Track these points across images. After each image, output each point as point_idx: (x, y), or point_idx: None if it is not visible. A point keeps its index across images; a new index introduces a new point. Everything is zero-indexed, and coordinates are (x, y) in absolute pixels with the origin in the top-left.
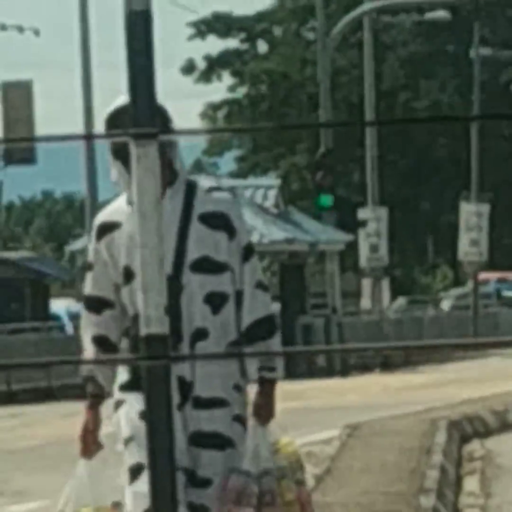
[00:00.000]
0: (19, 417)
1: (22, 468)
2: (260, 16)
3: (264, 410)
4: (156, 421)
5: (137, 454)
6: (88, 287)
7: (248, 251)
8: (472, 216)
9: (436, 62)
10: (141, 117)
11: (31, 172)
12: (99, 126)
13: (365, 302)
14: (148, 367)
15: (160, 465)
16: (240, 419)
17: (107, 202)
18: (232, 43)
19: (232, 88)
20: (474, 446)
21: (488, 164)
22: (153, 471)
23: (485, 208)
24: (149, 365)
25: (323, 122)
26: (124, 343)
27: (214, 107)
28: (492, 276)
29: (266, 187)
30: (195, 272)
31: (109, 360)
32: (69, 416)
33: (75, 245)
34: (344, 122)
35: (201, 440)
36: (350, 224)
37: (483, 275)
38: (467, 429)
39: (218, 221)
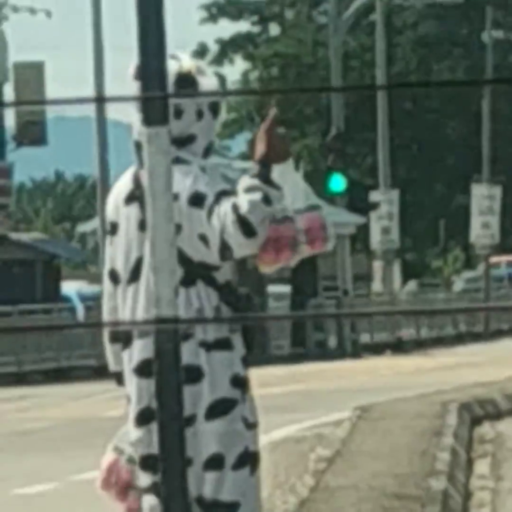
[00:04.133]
0: (30, 399)
1: (33, 450)
2: None
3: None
4: (166, 387)
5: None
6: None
7: None
8: (484, 199)
9: (448, 44)
10: (151, 81)
11: (42, 154)
12: (109, 108)
13: (376, 285)
14: (158, 331)
15: (169, 426)
16: None
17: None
18: (244, 26)
19: (244, 73)
20: (485, 429)
21: (500, 147)
22: (162, 432)
23: (497, 191)
24: (159, 329)
25: (336, 86)
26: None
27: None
28: (504, 259)
29: None
30: None
31: (119, 324)
32: (80, 398)
33: (86, 226)
34: (356, 86)
35: None
36: (362, 206)
37: (495, 258)
38: (478, 411)
39: None
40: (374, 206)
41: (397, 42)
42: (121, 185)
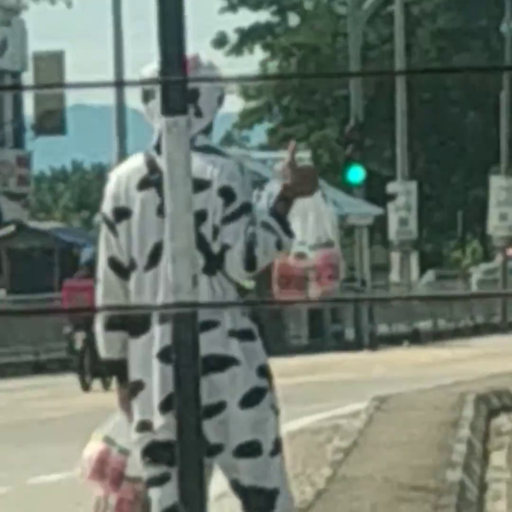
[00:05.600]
0: (47, 388)
1: (50, 439)
2: None
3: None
4: (184, 369)
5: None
6: None
7: None
8: (502, 191)
9: (467, 36)
10: (171, 69)
11: (62, 142)
12: (129, 97)
13: (394, 276)
14: (177, 316)
15: (187, 410)
16: None
17: None
18: (263, 15)
19: (263, 62)
20: (502, 420)
21: None
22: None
23: None
24: (178, 314)
25: (354, 71)
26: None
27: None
28: None
29: None
30: None
31: (138, 308)
32: (97, 388)
33: None
34: (375, 72)
35: None
36: (380, 197)
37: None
38: (495, 403)
39: None
40: (392, 197)
41: (416, 33)
42: (130, 171)
